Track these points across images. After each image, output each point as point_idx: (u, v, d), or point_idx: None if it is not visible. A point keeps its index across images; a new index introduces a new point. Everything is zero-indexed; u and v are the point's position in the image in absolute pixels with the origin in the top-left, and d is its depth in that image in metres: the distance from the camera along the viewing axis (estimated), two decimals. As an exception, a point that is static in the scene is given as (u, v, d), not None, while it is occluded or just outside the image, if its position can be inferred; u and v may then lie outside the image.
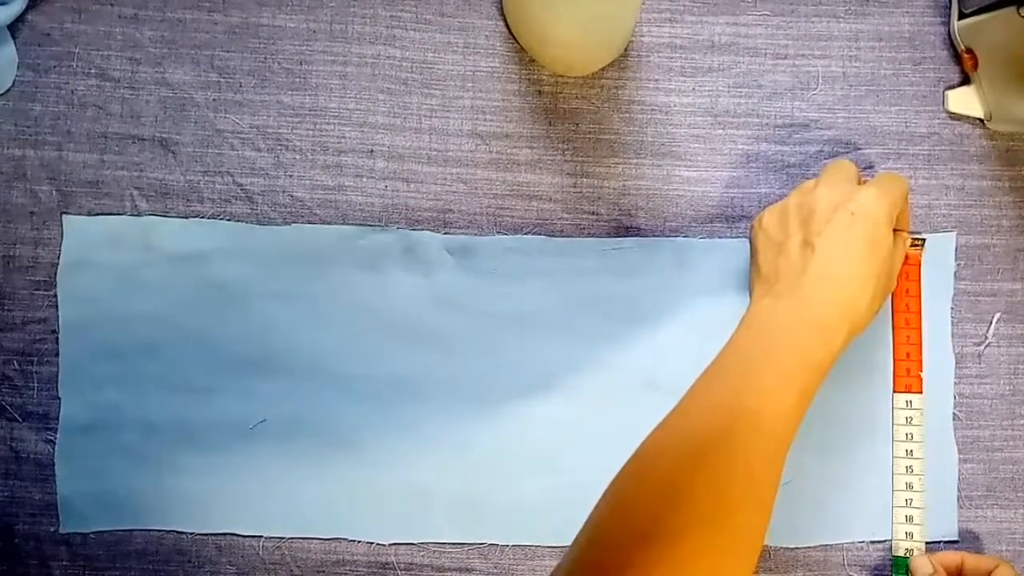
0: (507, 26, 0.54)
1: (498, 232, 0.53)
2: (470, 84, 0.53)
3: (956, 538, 0.52)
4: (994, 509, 0.53)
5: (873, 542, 0.52)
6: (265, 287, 0.52)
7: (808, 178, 0.54)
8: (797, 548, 0.52)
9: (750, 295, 0.49)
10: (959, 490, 0.53)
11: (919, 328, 0.53)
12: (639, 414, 0.52)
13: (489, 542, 0.51)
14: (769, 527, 0.52)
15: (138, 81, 0.52)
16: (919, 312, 0.53)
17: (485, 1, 0.54)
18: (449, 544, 0.51)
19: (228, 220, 0.52)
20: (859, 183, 0.49)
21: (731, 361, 0.45)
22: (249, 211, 0.52)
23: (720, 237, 0.53)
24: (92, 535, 0.51)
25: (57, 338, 0.51)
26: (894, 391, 0.52)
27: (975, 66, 0.53)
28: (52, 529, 0.51)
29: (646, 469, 0.42)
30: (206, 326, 0.52)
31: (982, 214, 0.54)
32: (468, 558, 0.51)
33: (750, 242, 0.51)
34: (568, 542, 0.51)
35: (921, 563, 0.49)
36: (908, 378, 0.52)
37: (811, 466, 0.52)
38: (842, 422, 0.53)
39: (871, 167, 0.54)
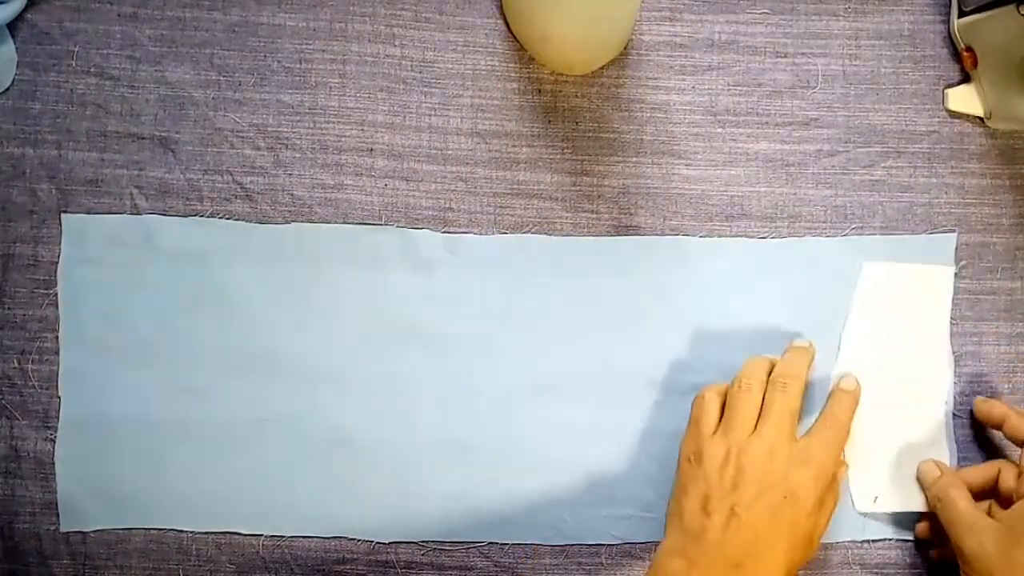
0: (507, 24, 0.54)
1: (498, 231, 0.53)
2: (470, 82, 0.53)
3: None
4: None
5: (873, 541, 0.52)
6: (265, 286, 0.52)
7: (807, 177, 0.54)
8: (797, 547, 0.52)
9: (666, 521, 0.47)
10: (959, 488, 0.53)
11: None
12: (639, 413, 0.53)
13: (489, 541, 0.51)
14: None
15: (138, 79, 0.52)
16: None
17: (485, -1, 0.54)
18: (449, 543, 0.51)
19: (228, 219, 0.52)
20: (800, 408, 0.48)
21: None
22: (249, 210, 0.52)
23: (720, 236, 0.53)
24: (92, 534, 0.51)
25: (57, 337, 0.51)
26: None
27: (975, 64, 0.53)
28: (52, 528, 0.51)
29: None
30: (206, 325, 0.52)
31: (982, 212, 0.54)
32: (468, 557, 0.51)
33: (679, 453, 0.49)
34: (568, 541, 0.52)
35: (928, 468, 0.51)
36: None
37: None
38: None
39: (872, 165, 0.54)
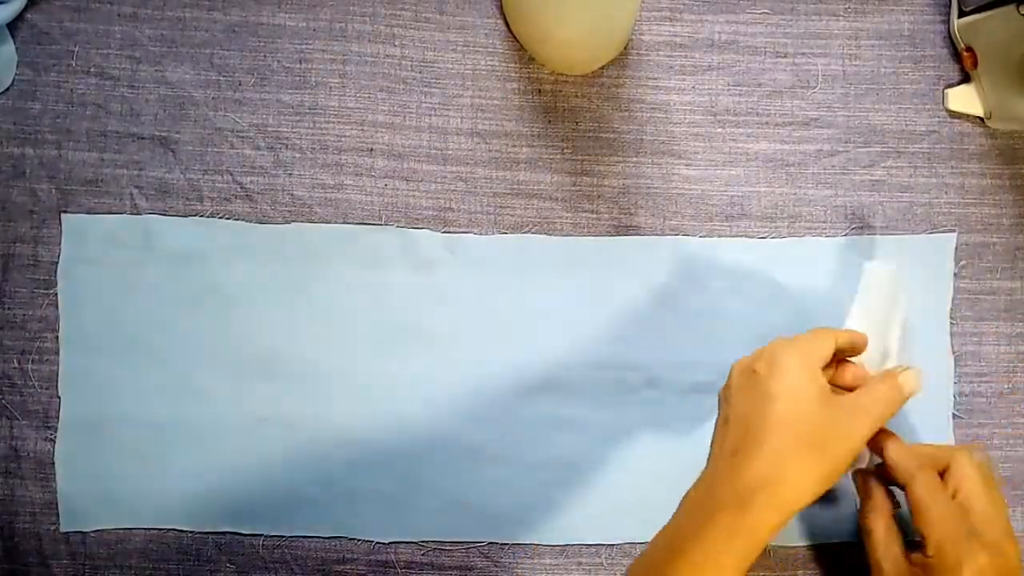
0: (507, 24, 0.54)
1: (498, 230, 0.53)
2: (470, 82, 0.53)
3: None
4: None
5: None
6: (265, 286, 0.52)
7: (807, 177, 0.54)
8: (797, 547, 0.52)
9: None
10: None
11: None
12: (639, 412, 0.53)
13: (489, 541, 0.51)
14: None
15: (138, 79, 0.52)
16: None
17: (485, -1, 0.54)
18: (449, 543, 0.51)
19: (228, 219, 0.52)
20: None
21: (656, 547, 0.42)
22: (249, 210, 0.52)
23: (720, 236, 0.53)
24: (92, 534, 0.51)
25: (57, 337, 0.51)
26: None
27: (975, 64, 0.53)
28: (52, 528, 0.51)
29: None
30: (206, 325, 0.52)
31: (982, 212, 0.54)
32: (468, 557, 0.51)
33: None
34: (568, 541, 0.52)
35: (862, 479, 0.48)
36: None
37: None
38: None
39: (872, 165, 0.54)
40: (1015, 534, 0.44)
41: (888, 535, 0.46)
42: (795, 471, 0.40)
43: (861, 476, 0.48)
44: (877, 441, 0.46)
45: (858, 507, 0.48)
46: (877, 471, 0.48)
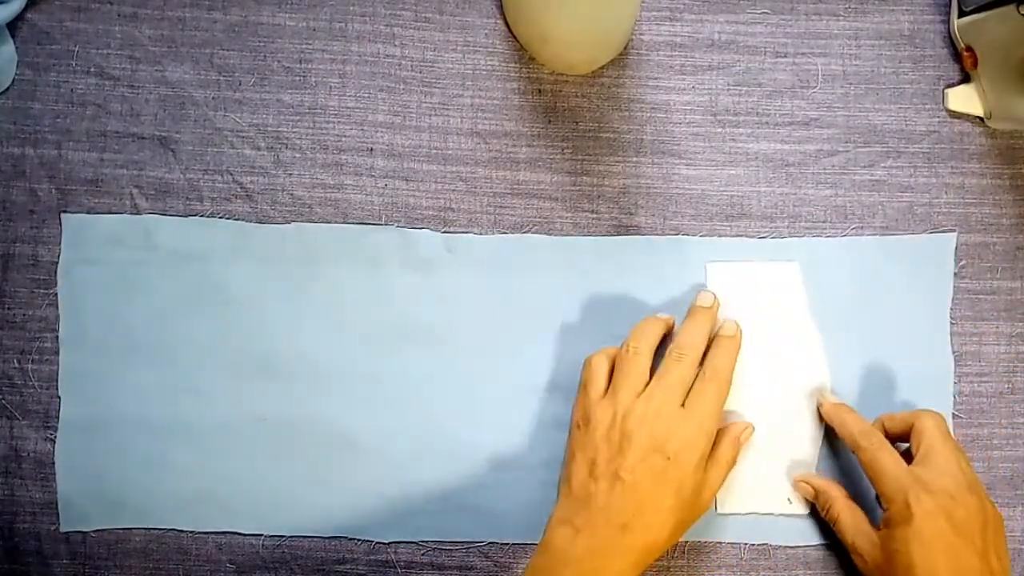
0: (507, 24, 0.54)
1: (498, 230, 0.53)
2: (470, 82, 0.53)
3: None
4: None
5: (873, 540, 0.52)
6: (265, 286, 0.52)
7: (807, 177, 0.54)
8: (797, 547, 0.52)
9: (557, 488, 0.49)
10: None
11: None
12: (639, 412, 0.52)
13: (489, 541, 0.51)
14: (770, 526, 0.52)
15: (138, 79, 0.53)
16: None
17: (485, -1, 0.54)
18: (449, 543, 0.51)
19: (228, 219, 0.52)
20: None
21: None
22: (249, 210, 0.52)
23: (720, 236, 0.53)
24: (92, 534, 0.51)
25: (57, 336, 0.51)
26: None
27: (975, 64, 0.53)
28: (52, 527, 0.51)
29: None
30: (206, 325, 0.52)
31: (982, 212, 0.54)
32: (468, 557, 0.51)
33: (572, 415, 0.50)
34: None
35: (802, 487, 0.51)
36: None
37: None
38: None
39: (872, 165, 0.54)
40: (984, 490, 0.47)
41: (852, 515, 0.49)
42: (675, 537, 0.46)
43: (801, 482, 0.51)
44: (834, 416, 0.50)
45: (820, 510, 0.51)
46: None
